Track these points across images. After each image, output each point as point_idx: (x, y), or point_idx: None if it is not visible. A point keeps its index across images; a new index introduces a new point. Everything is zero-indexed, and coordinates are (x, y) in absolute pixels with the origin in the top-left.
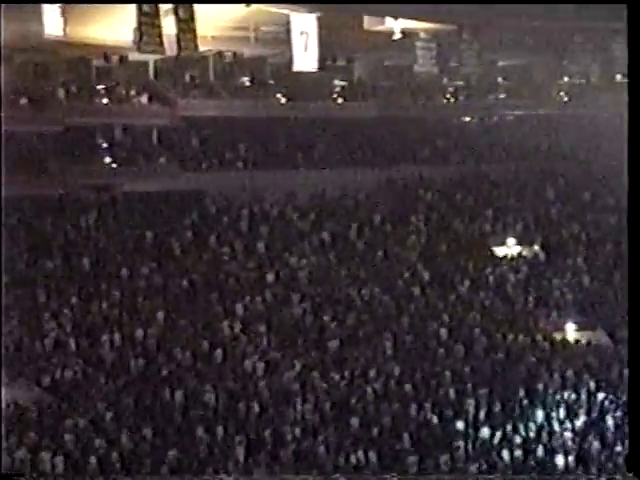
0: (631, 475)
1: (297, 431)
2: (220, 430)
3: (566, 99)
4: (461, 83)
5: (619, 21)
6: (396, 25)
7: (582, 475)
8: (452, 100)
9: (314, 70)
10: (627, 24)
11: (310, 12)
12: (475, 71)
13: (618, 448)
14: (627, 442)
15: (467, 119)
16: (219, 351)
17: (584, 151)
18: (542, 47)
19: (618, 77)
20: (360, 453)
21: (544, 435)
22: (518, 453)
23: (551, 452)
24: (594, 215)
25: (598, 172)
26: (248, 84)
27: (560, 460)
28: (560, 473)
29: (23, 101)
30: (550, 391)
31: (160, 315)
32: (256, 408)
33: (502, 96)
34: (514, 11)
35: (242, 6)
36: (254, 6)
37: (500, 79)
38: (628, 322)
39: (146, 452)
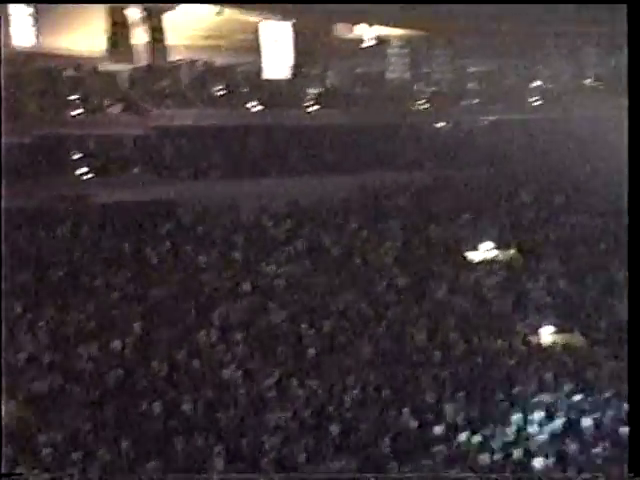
0: (631, 475)
1: (276, 439)
2: (199, 440)
3: (538, 103)
4: (434, 89)
5: (594, 25)
6: (367, 32)
7: (581, 475)
8: (425, 106)
9: (286, 78)
10: (627, 24)
11: (282, 20)
12: (447, 77)
13: (597, 449)
14: (606, 443)
15: (440, 125)
16: (197, 360)
17: (557, 154)
18: (513, 52)
19: (588, 81)
20: (340, 460)
21: (523, 437)
22: (497, 456)
23: (530, 454)
24: (569, 218)
25: (572, 175)
26: (221, 93)
27: (539, 462)
28: (558, 473)
29: None
30: (528, 394)
31: (137, 325)
32: (235, 417)
33: (475, 101)
34: (485, 15)
35: (213, 15)
36: (226, 14)
37: (472, 84)
38: (628, 322)
39: (125, 464)
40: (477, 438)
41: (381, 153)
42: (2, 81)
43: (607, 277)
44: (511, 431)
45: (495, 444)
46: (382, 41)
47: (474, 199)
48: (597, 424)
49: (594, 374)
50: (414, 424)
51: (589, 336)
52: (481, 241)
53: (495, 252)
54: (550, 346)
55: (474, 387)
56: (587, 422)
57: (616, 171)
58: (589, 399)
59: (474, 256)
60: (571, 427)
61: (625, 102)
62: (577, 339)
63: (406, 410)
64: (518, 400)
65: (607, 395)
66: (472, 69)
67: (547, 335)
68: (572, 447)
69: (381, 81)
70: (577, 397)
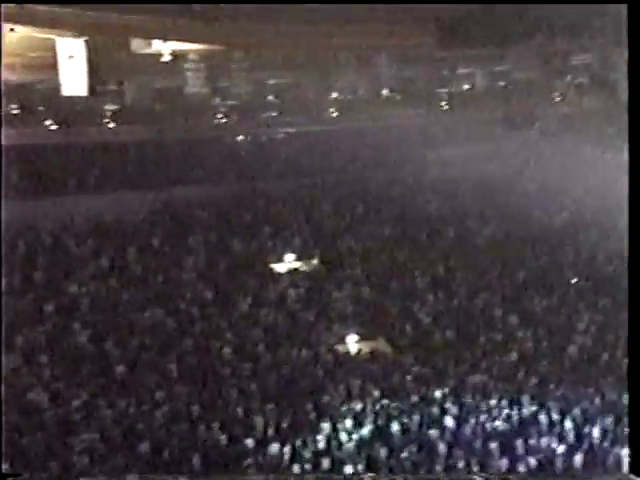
0: (632, 476)
1: (85, 461)
2: (4, 466)
3: (336, 114)
4: (233, 103)
5: (389, 38)
6: (164, 47)
7: (581, 475)
8: (225, 120)
9: (84, 95)
10: (627, 24)
11: (77, 36)
12: (246, 90)
13: (405, 454)
14: (414, 447)
15: (240, 138)
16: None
17: (356, 164)
18: (311, 64)
19: (384, 92)
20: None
21: (333, 446)
22: (308, 467)
23: (341, 462)
24: (369, 227)
25: (371, 184)
26: (17, 112)
27: (349, 469)
28: (558, 473)
29: None
30: (336, 402)
31: None
32: (41, 440)
33: (274, 114)
34: (283, 29)
35: (6, 32)
36: (20, 32)
37: (271, 97)
38: (628, 322)
39: None
40: (288, 449)
41: (182, 168)
42: (2, 86)
43: (409, 284)
44: (321, 440)
45: (306, 454)
46: (180, 56)
47: (276, 211)
48: (404, 429)
49: (400, 380)
50: (224, 438)
51: (394, 343)
52: (284, 253)
53: (298, 263)
54: (356, 354)
55: (283, 398)
56: (395, 427)
57: (414, 179)
58: (396, 405)
59: (278, 268)
60: (380, 433)
61: (419, 111)
62: (382, 346)
63: (216, 424)
64: (327, 409)
65: (414, 400)
66: (271, 82)
67: (353, 343)
68: (381, 452)
69: (180, 96)
70: (384, 403)
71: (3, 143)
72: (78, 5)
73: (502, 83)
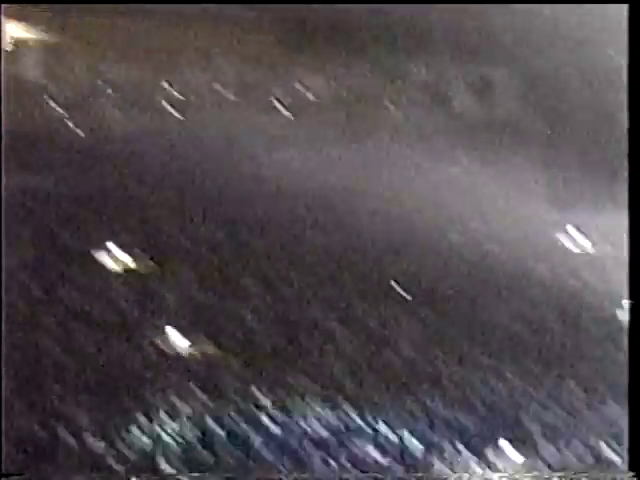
0: (632, 475)
1: None
2: None
3: (172, 113)
4: (70, 95)
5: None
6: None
7: (580, 474)
8: (61, 111)
9: None
10: (627, 24)
11: None
12: (84, 83)
13: (224, 456)
14: (238, 450)
15: (76, 131)
16: None
17: (191, 165)
18: (153, 61)
19: (225, 94)
20: None
21: (153, 445)
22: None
23: (158, 461)
24: (202, 229)
25: (204, 186)
26: None
27: (168, 469)
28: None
29: None
30: (157, 401)
31: None
32: None
33: (112, 109)
34: (123, 25)
35: None
36: None
37: (110, 92)
38: (629, 321)
39: None
40: (106, 445)
41: (14, 157)
42: (2, 79)
43: (238, 287)
44: (141, 438)
45: (125, 451)
46: (19, 43)
47: (109, 206)
48: (226, 431)
49: (224, 382)
50: (42, 432)
51: (220, 344)
52: (115, 248)
53: (128, 259)
54: (181, 354)
55: (103, 394)
56: (216, 429)
57: (250, 184)
58: (218, 406)
59: (108, 264)
60: (202, 434)
61: (259, 116)
62: (208, 347)
63: (35, 417)
64: (148, 407)
65: (236, 402)
66: (110, 76)
67: (178, 343)
68: (202, 454)
69: (16, 84)
70: (206, 404)
71: None
72: None
73: (343, 93)
